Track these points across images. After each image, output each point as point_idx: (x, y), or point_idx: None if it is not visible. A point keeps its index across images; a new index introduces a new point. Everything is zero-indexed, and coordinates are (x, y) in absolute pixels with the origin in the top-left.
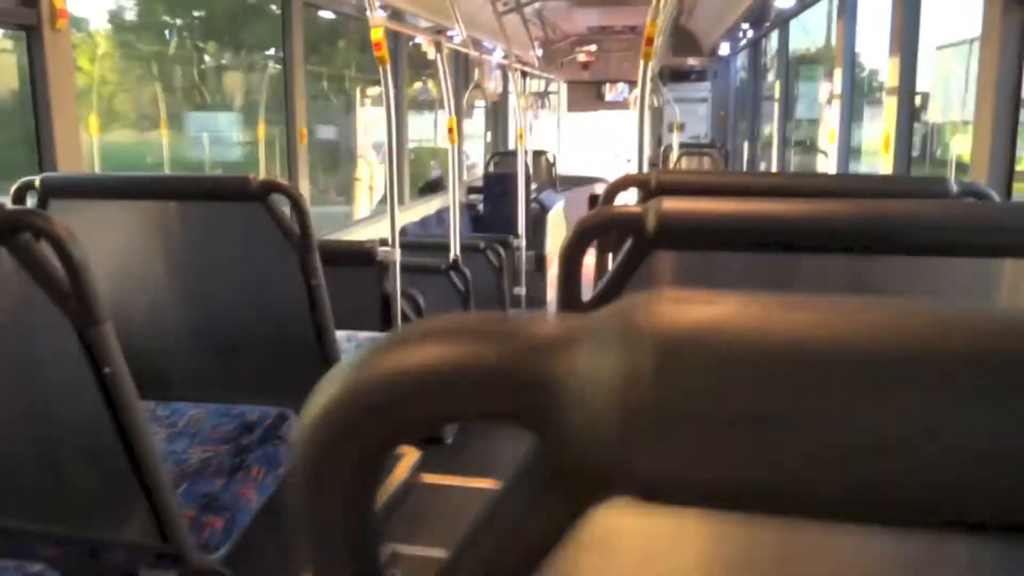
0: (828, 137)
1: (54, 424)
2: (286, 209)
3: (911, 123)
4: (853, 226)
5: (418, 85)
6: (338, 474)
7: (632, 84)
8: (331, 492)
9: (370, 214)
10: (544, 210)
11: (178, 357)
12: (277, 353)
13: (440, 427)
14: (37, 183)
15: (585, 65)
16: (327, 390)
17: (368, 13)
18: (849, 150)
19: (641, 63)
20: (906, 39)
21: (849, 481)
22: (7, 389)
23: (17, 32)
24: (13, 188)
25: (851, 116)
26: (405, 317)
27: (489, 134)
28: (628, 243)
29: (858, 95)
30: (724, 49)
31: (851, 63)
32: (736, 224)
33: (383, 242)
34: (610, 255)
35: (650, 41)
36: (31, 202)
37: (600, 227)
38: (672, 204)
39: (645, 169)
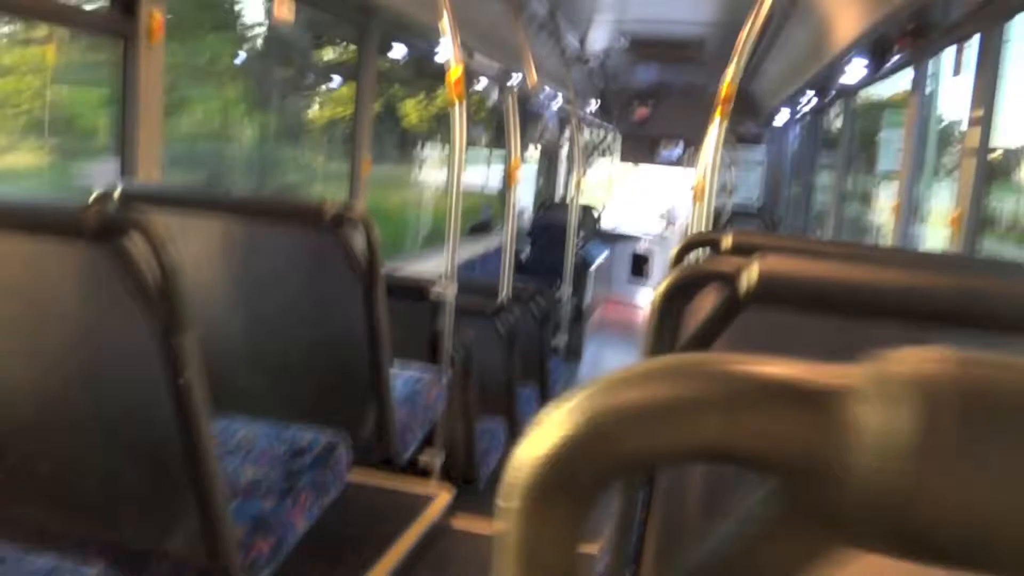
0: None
1: (122, 428)
2: (356, 238)
3: (981, 202)
4: (958, 299)
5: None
6: (559, 515)
7: (687, 142)
8: (549, 532)
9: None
10: (588, 262)
11: (235, 373)
12: (331, 380)
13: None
14: (116, 191)
15: (642, 119)
16: (560, 418)
17: (451, 51)
18: (911, 223)
19: (714, 123)
20: (985, 110)
21: None
22: (81, 390)
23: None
24: (94, 194)
25: (916, 190)
26: (452, 356)
27: (540, 182)
28: (720, 299)
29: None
30: (783, 116)
31: (922, 140)
32: (836, 288)
33: (436, 279)
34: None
35: (727, 101)
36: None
37: (694, 280)
38: (771, 263)
39: (698, 229)
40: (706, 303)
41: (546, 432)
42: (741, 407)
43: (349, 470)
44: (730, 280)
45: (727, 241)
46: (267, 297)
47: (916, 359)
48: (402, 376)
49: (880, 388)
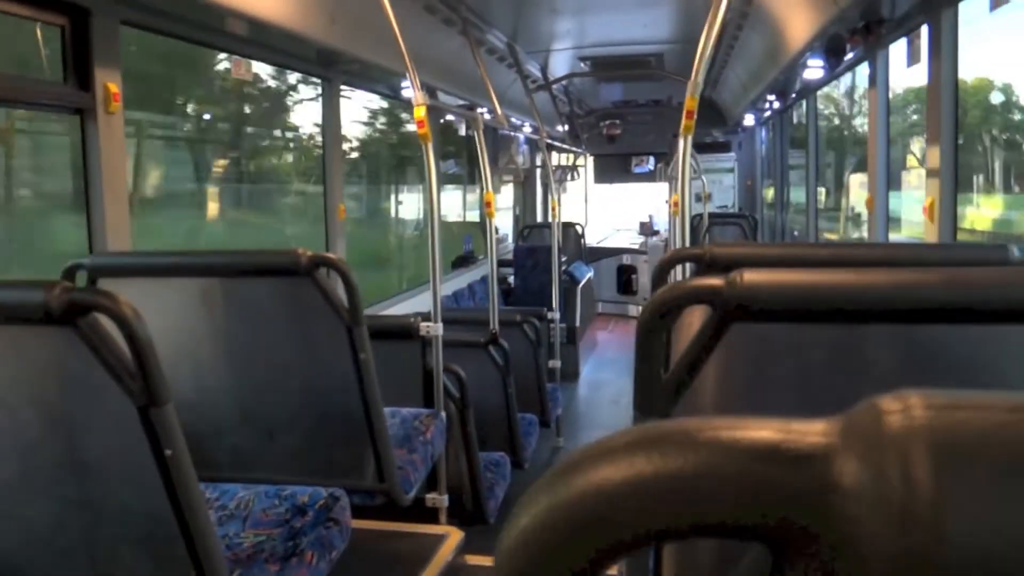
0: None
1: (112, 509)
2: (334, 282)
3: (955, 189)
4: (944, 295)
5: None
6: None
7: (658, 156)
8: None
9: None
10: (574, 282)
11: (226, 436)
12: (325, 431)
13: (651, 545)
14: (86, 263)
15: (611, 138)
16: (531, 503)
17: (413, 93)
18: (888, 217)
19: (681, 137)
20: (947, 81)
21: None
22: (65, 471)
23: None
24: (63, 268)
25: (888, 184)
26: (447, 392)
27: (518, 208)
28: (706, 316)
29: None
30: (749, 120)
31: (886, 132)
32: (822, 295)
33: (424, 317)
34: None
35: (690, 115)
36: (80, 282)
37: (678, 301)
38: (755, 276)
39: (679, 242)
40: (694, 318)
41: (528, 510)
42: (724, 478)
43: (353, 520)
44: (715, 298)
45: (708, 256)
46: (252, 354)
47: (885, 410)
48: (398, 416)
49: (856, 446)
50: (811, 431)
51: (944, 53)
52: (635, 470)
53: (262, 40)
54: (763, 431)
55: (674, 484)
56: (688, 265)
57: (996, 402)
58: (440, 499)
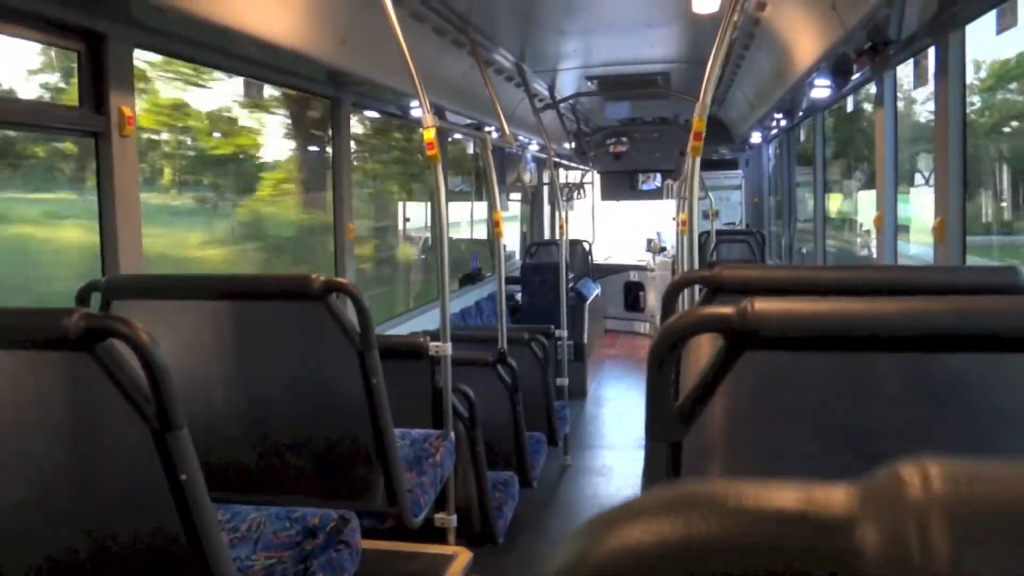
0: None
1: (126, 532)
2: (345, 306)
3: (964, 208)
4: (958, 323)
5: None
6: None
7: (664, 173)
8: None
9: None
10: (582, 299)
11: (237, 458)
12: (336, 454)
13: None
14: (101, 285)
15: (617, 155)
16: (561, 558)
17: (423, 114)
18: (896, 236)
19: (689, 157)
20: (955, 102)
21: None
22: (79, 494)
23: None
24: (78, 290)
25: (896, 203)
26: (456, 412)
27: (525, 225)
28: (717, 344)
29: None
30: (756, 138)
31: (894, 151)
32: (833, 323)
33: (432, 336)
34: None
35: (698, 136)
36: (94, 304)
37: (688, 330)
38: (765, 305)
39: (687, 261)
40: (702, 342)
41: (558, 563)
42: (750, 543)
43: (362, 541)
44: (725, 327)
45: (716, 279)
46: (264, 377)
47: (905, 479)
48: (408, 438)
49: (877, 514)
50: (834, 498)
51: (951, 75)
52: (663, 533)
53: (272, 62)
54: (787, 497)
55: (701, 547)
56: (697, 286)
57: (1014, 472)
58: (449, 519)
